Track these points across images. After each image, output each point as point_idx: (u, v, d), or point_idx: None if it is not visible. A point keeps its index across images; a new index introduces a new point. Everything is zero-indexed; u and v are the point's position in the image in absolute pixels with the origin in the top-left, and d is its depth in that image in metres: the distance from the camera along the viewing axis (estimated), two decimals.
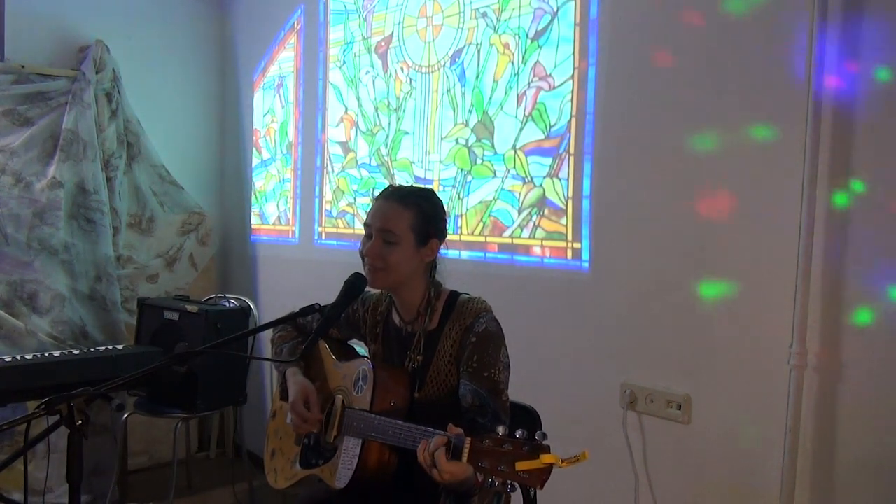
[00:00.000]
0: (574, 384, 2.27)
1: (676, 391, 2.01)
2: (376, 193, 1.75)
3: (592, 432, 2.21)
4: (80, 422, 1.23)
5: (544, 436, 1.22)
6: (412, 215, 1.62)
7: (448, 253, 2.57)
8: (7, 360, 2.54)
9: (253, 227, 3.84)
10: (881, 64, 1.63)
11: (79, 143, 3.25)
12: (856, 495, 1.69)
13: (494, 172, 2.51)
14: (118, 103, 3.45)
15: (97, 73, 3.36)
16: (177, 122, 3.89)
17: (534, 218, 2.39)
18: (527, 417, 1.76)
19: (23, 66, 3.24)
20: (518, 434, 1.23)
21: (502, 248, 2.50)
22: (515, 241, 2.45)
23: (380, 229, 1.61)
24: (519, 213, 2.44)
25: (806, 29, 1.71)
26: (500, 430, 1.25)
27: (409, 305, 1.69)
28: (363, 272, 1.64)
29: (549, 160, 2.33)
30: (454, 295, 1.69)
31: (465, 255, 2.61)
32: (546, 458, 1.19)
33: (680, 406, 2.00)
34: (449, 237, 2.62)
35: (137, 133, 3.55)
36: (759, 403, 1.84)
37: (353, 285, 1.62)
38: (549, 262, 2.35)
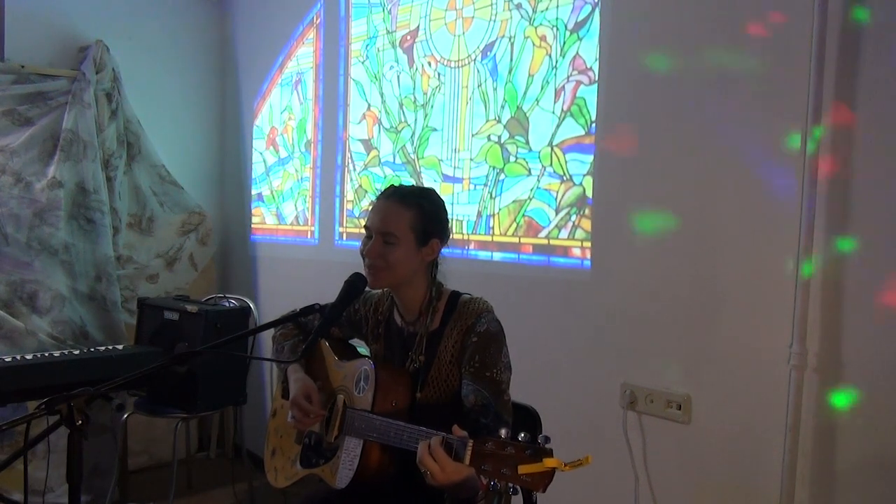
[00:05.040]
0: (574, 384, 2.27)
1: (676, 391, 2.01)
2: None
3: (592, 432, 2.21)
4: (80, 422, 1.22)
5: (547, 439, 1.22)
6: (412, 215, 1.62)
7: (479, 254, 2.58)
8: (7, 360, 2.54)
9: (267, 226, 3.80)
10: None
11: (79, 143, 3.25)
12: (856, 495, 1.69)
13: (529, 170, 2.43)
14: (118, 103, 3.45)
15: (97, 73, 3.36)
16: (177, 122, 3.89)
17: (573, 218, 2.30)
18: (527, 417, 1.76)
19: (23, 66, 3.24)
20: (521, 437, 1.23)
21: (537, 249, 2.42)
22: (552, 241, 2.37)
23: (380, 231, 1.61)
24: (556, 213, 2.35)
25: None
26: (503, 432, 1.25)
27: (411, 305, 1.69)
28: (363, 272, 1.64)
29: (589, 157, 2.24)
30: (455, 295, 1.69)
31: (497, 256, 2.54)
32: (549, 462, 1.19)
33: (680, 406, 2.00)
34: (481, 238, 2.65)
35: (137, 133, 3.55)
36: (759, 403, 1.84)
37: (354, 285, 1.62)
38: (589, 263, 2.25)
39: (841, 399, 1.69)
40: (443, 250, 1.69)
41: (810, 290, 1.72)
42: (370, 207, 1.70)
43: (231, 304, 3.31)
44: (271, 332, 1.89)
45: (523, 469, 1.19)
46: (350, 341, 1.94)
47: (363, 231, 1.68)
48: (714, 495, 1.95)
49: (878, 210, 1.64)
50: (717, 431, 1.93)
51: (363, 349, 1.87)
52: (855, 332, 1.68)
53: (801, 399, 1.74)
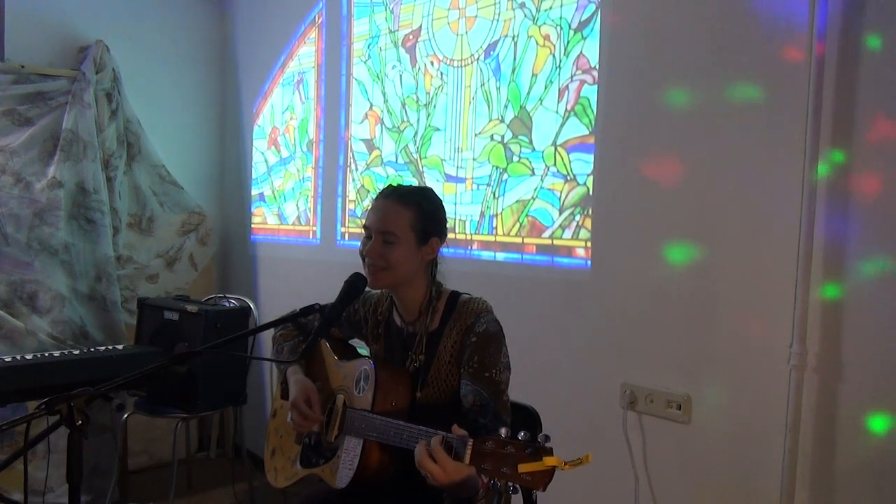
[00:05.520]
0: (574, 384, 2.27)
1: (676, 391, 2.01)
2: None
3: (592, 432, 2.21)
4: (80, 422, 1.22)
5: (547, 438, 1.22)
6: (412, 214, 1.62)
7: (482, 254, 2.58)
8: (7, 360, 2.54)
9: (268, 226, 3.79)
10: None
11: (79, 143, 3.25)
12: (856, 495, 1.69)
13: (533, 170, 2.42)
14: (118, 103, 3.45)
15: (97, 73, 3.36)
16: (177, 122, 3.89)
17: (577, 218, 2.29)
18: (527, 417, 1.76)
19: (23, 66, 3.24)
20: (521, 436, 1.23)
21: (541, 249, 2.41)
22: (556, 242, 2.36)
23: (379, 230, 1.61)
24: (560, 213, 2.34)
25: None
26: (503, 431, 1.25)
27: (410, 305, 1.69)
28: (363, 272, 1.64)
29: (593, 157, 2.23)
30: (455, 295, 1.69)
31: (500, 256, 2.53)
32: (549, 461, 1.18)
33: (680, 406, 2.00)
34: (484, 238, 2.65)
35: (137, 133, 3.55)
36: (759, 403, 1.84)
37: (354, 285, 1.62)
38: (590, 263, 2.24)
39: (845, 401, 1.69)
40: (443, 250, 1.70)
41: (810, 290, 1.72)
42: (369, 207, 1.70)
43: (231, 304, 3.32)
44: (271, 332, 1.89)
45: (523, 468, 1.19)
46: (350, 341, 1.94)
47: (363, 231, 1.68)
48: (714, 495, 1.95)
49: (879, 208, 1.65)
50: (717, 431, 1.93)
51: (363, 349, 1.87)
52: (855, 332, 1.68)
53: (801, 399, 1.74)
